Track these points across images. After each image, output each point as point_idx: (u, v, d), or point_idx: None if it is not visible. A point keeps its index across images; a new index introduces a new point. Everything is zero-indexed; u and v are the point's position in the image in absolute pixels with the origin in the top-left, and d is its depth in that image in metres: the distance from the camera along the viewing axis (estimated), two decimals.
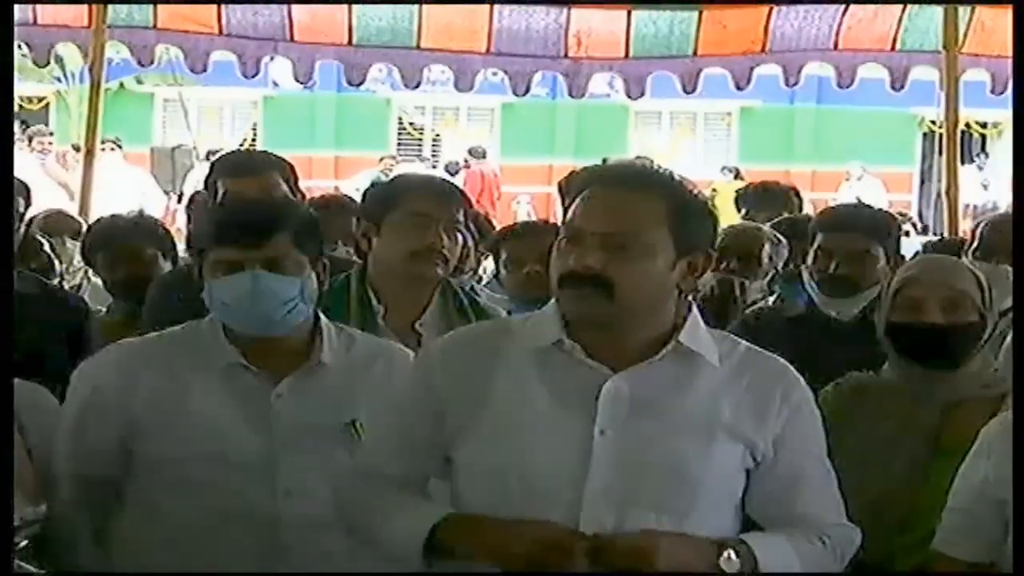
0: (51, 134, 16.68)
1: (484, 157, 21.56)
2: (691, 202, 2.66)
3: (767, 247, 5.09)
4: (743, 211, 6.81)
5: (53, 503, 3.03)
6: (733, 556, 2.57)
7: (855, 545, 2.79)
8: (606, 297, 2.56)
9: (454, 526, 2.62)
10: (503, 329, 2.81)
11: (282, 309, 3.06)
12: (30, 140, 15.96)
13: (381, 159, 21.53)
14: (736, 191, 7.36)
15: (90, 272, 5.67)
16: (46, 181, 14.58)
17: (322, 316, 3.21)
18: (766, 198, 6.82)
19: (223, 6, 7.19)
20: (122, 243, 4.75)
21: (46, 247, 5.23)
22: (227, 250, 3.06)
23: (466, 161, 21.39)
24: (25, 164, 15.12)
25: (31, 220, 5.57)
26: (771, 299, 4.89)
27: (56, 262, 5.29)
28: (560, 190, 2.73)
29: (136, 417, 3.07)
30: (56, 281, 5.19)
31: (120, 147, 16.75)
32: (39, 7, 7.08)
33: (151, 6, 7.16)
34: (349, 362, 3.17)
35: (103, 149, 16.02)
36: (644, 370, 2.62)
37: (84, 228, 5.85)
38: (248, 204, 3.35)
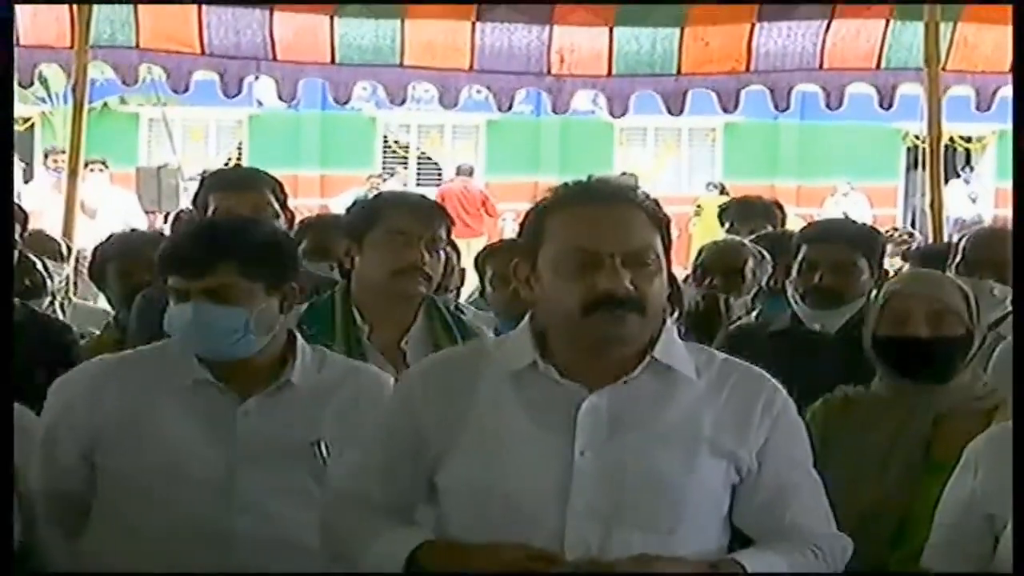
0: (63, 152, 16.77)
1: (471, 175, 21.57)
2: (661, 210, 2.66)
3: (750, 263, 5.08)
4: (727, 225, 6.86)
5: (29, 523, 3.03)
6: None
7: (847, 554, 2.78)
8: (640, 317, 2.56)
9: (432, 552, 2.61)
10: (479, 352, 2.80)
11: (227, 340, 3.05)
12: (45, 157, 16.14)
13: (368, 177, 21.52)
14: (719, 206, 7.41)
15: (71, 293, 5.65)
16: (61, 198, 14.65)
17: (297, 335, 3.20)
18: (749, 212, 6.88)
19: (204, 26, 7.19)
20: (145, 254, 4.77)
21: (39, 266, 5.22)
22: (174, 278, 3.07)
23: (450, 179, 21.46)
24: (41, 182, 15.34)
25: None
26: (753, 315, 4.89)
27: (49, 281, 5.29)
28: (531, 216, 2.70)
29: (100, 432, 3.08)
30: (48, 300, 5.21)
31: (106, 167, 16.76)
32: (21, 28, 7.05)
33: (133, 27, 7.14)
34: (318, 382, 3.16)
35: (92, 171, 16.13)
36: (621, 388, 2.61)
37: (64, 249, 5.83)
38: (195, 232, 3.26)
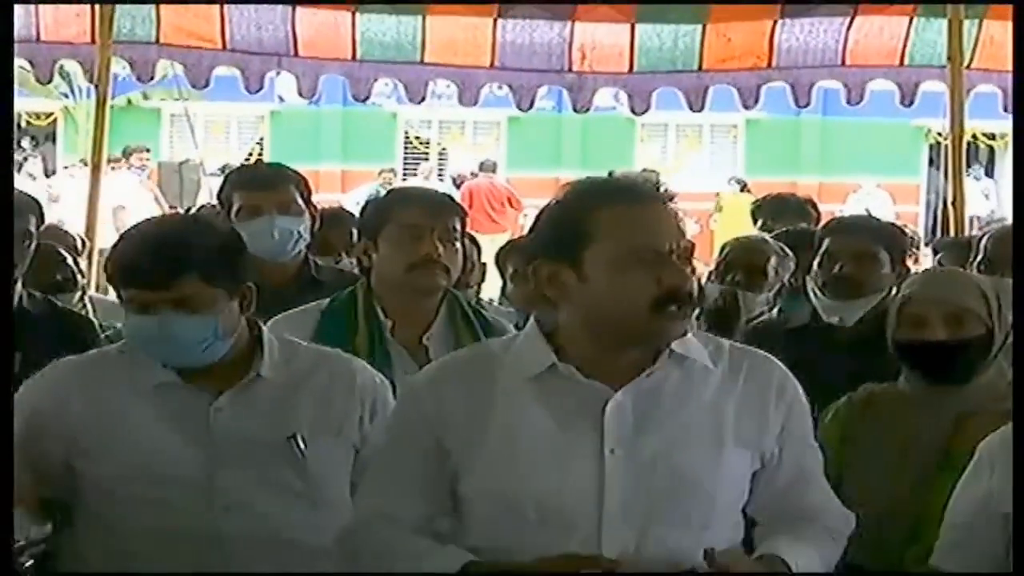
0: (147, 150, 17.46)
1: (494, 171, 21.56)
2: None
3: (773, 260, 5.07)
4: (760, 222, 6.82)
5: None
6: None
7: (851, 527, 2.81)
8: (693, 312, 2.62)
9: (481, 571, 2.57)
10: (486, 355, 2.75)
11: (196, 349, 3.02)
12: (128, 156, 16.65)
13: (380, 172, 21.52)
14: (753, 203, 7.36)
15: (91, 288, 5.64)
16: (146, 195, 15.14)
17: (263, 328, 3.16)
18: (783, 209, 6.83)
19: (227, 22, 7.19)
20: None
21: (69, 261, 5.22)
22: (135, 290, 3.00)
23: (473, 174, 21.47)
24: (125, 180, 15.70)
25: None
26: (774, 312, 4.89)
27: (79, 276, 5.29)
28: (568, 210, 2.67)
29: (75, 436, 3.05)
30: (78, 295, 5.19)
31: (127, 158, 16.94)
32: (42, 24, 7.08)
33: (154, 23, 7.16)
34: (289, 374, 3.13)
35: (130, 167, 16.35)
36: (644, 382, 2.61)
37: (79, 244, 5.82)
38: (154, 242, 3.11)
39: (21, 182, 16.74)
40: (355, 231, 4.21)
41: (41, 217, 4.33)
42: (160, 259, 2.99)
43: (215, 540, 3.01)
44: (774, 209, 6.89)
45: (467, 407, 2.66)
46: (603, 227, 2.57)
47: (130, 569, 3.02)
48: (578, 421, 2.60)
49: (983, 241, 4.78)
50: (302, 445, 3.04)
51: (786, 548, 2.63)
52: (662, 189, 2.65)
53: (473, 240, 5.16)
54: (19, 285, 4.13)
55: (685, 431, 2.61)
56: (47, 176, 21.54)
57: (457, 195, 18.12)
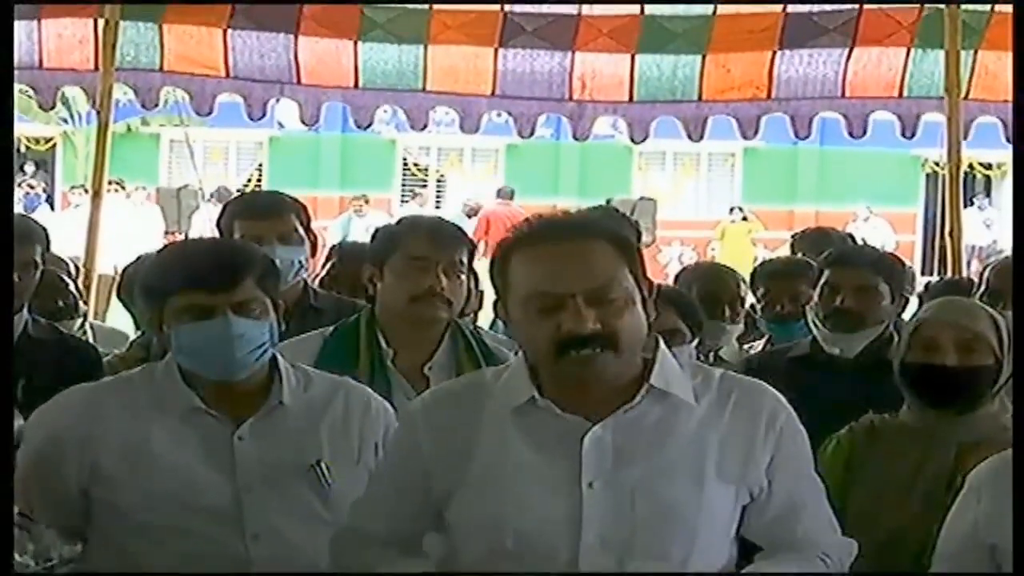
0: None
1: (511, 198, 21.52)
2: (630, 235, 2.71)
3: (739, 290, 5.06)
4: (799, 255, 6.81)
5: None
6: None
7: (852, 556, 2.78)
8: (613, 353, 2.55)
9: None
10: (479, 385, 2.79)
11: (255, 353, 3.03)
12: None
13: (352, 200, 21.24)
14: (792, 235, 7.34)
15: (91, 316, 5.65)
16: None
17: (279, 356, 3.16)
18: (825, 243, 6.80)
19: (230, 50, 7.22)
20: None
21: (71, 287, 5.23)
22: (196, 295, 3.00)
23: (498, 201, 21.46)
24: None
25: None
26: (759, 343, 4.91)
27: (81, 302, 5.29)
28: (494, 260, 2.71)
29: (97, 463, 3.03)
30: (80, 321, 5.19)
31: (123, 188, 16.94)
32: (45, 51, 7.10)
33: (158, 50, 7.18)
34: (308, 401, 3.14)
35: (115, 191, 16.34)
36: (622, 417, 2.62)
37: (72, 269, 5.81)
38: (213, 248, 3.28)
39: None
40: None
41: (47, 245, 4.33)
42: (223, 263, 3.04)
43: (245, 568, 3.00)
44: (814, 242, 6.86)
45: (456, 436, 2.69)
46: (512, 273, 2.61)
47: None
48: (557, 454, 2.62)
49: (985, 273, 4.80)
50: (326, 472, 3.05)
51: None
52: (589, 224, 2.65)
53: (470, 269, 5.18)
54: (24, 311, 4.15)
55: (665, 465, 2.62)
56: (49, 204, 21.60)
57: (469, 225, 18.12)
